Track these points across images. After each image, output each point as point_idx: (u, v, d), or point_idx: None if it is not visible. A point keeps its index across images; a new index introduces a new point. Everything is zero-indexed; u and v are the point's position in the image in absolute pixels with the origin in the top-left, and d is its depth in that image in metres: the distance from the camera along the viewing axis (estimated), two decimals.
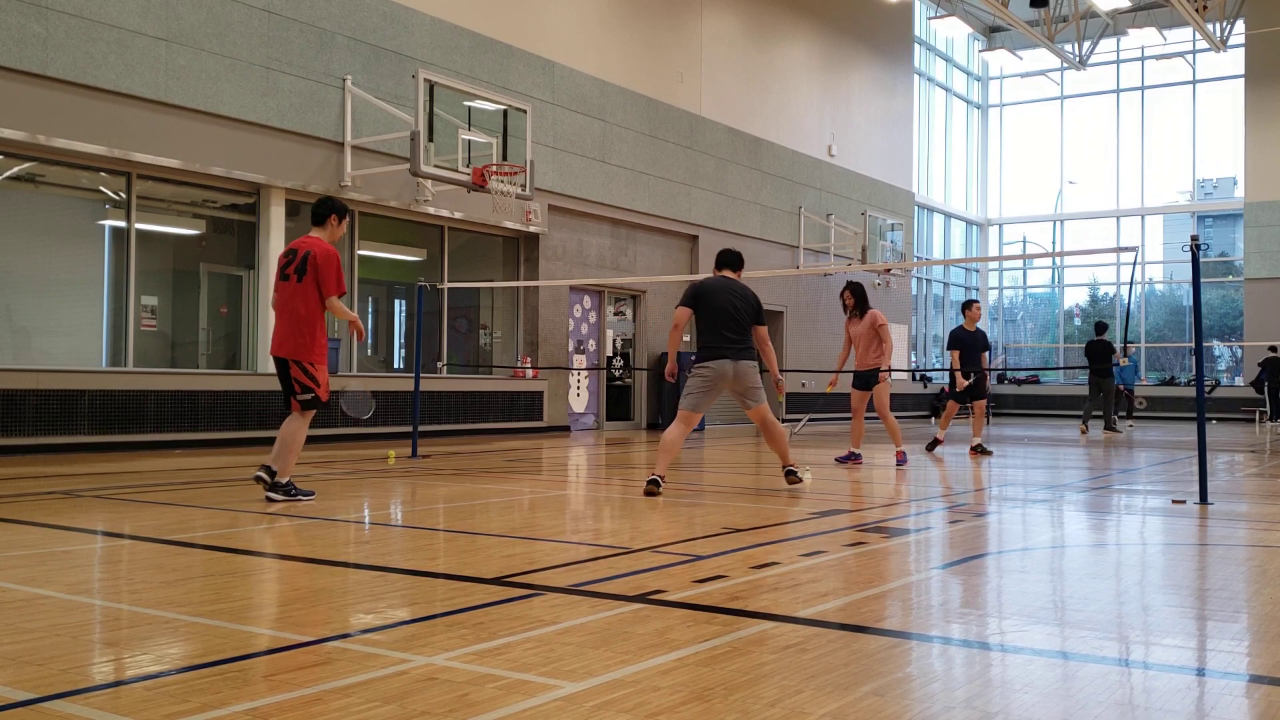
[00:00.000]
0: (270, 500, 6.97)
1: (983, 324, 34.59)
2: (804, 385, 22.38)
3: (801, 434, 16.36)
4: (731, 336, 7.92)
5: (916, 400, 28.27)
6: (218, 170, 12.62)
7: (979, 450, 12.78)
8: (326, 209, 7.43)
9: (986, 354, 13.08)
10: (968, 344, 12.76)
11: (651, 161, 19.08)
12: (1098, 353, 19.44)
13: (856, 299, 11.09)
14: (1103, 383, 19.18)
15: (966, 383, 12.73)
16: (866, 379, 11.05)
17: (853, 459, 11.01)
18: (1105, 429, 19.26)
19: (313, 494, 7.21)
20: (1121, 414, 22.82)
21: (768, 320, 8.70)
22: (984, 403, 13.18)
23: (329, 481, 8.60)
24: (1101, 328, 19.68)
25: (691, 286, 8.21)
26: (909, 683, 3.12)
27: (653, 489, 7.65)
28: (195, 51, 12.32)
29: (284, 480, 7.06)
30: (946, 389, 13.54)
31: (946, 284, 33.02)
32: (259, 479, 7.06)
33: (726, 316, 7.94)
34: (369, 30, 14.28)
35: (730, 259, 8.45)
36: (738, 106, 21.48)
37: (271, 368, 13.25)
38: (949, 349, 12.97)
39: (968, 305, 13.00)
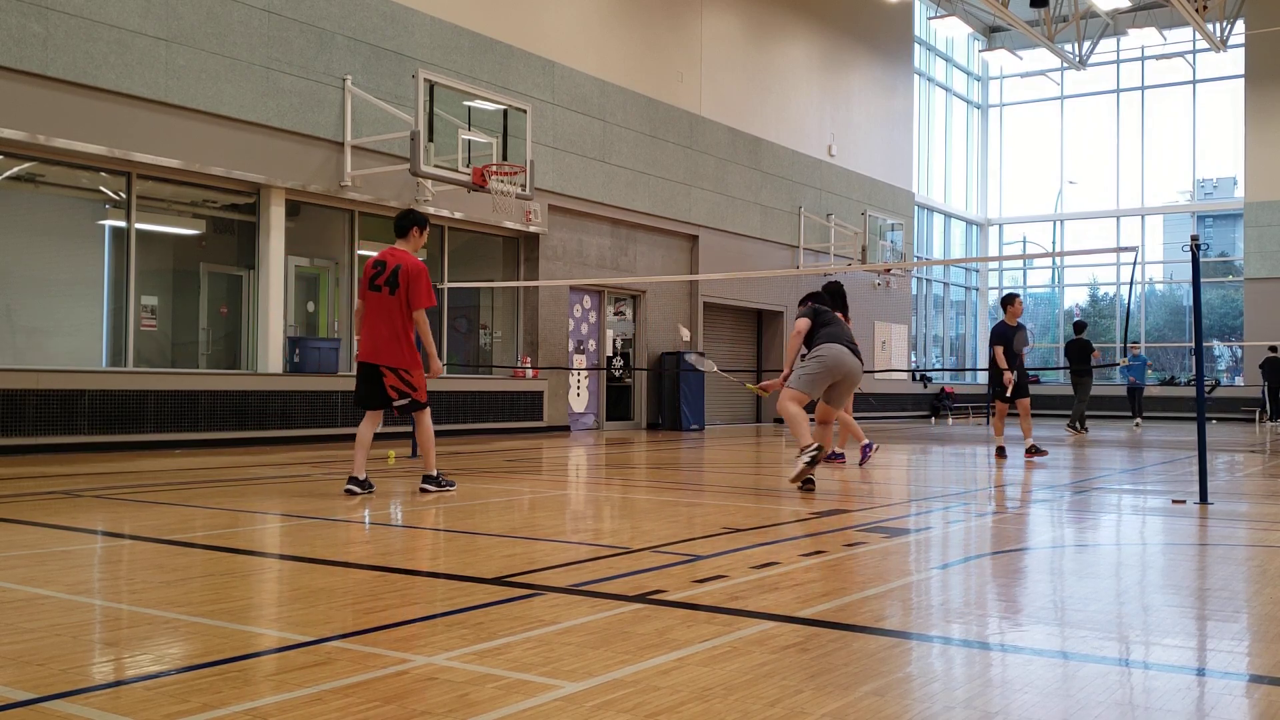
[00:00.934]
0: (424, 491, 7.71)
1: (981, 324, 34.81)
2: None
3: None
4: (851, 348, 8.36)
5: (916, 400, 28.28)
6: (218, 170, 12.62)
7: (1033, 451, 12.09)
8: (409, 222, 7.80)
9: (1024, 351, 12.39)
10: (1012, 340, 12.06)
11: (651, 161, 19.08)
12: (1076, 352, 19.39)
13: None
14: (1080, 381, 19.13)
15: (1013, 380, 12.03)
16: None
17: (835, 458, 11.23)
18: (1068, 425, 18.98)
19: (453, 484, 7.95)
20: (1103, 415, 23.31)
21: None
22: (1028, 400, 12.40)
23: (329, 481, 8.60)
24: (1080, 327, 19.61)
25: (811, 307, 8.64)
26: (909, 683, 3.12)
27: (817, 455, 7.77)
28: (195, 51, 12.32)
29: (434, 473, 7.78)
30: (991, 388, 12.81)
31: (946, 284, 33.03)
32: (349, 491, 7.55)
33: (848, 341, 8.42)
34: (369, 30, 14.28)
35: (836, 294, 9.01)
36: (738, 106, 21.48)
37: (272, 368, 13.38)
38: (992, 345, 12.27)
39: (1009, 300, 12.34)
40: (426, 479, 7.80)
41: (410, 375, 7.60)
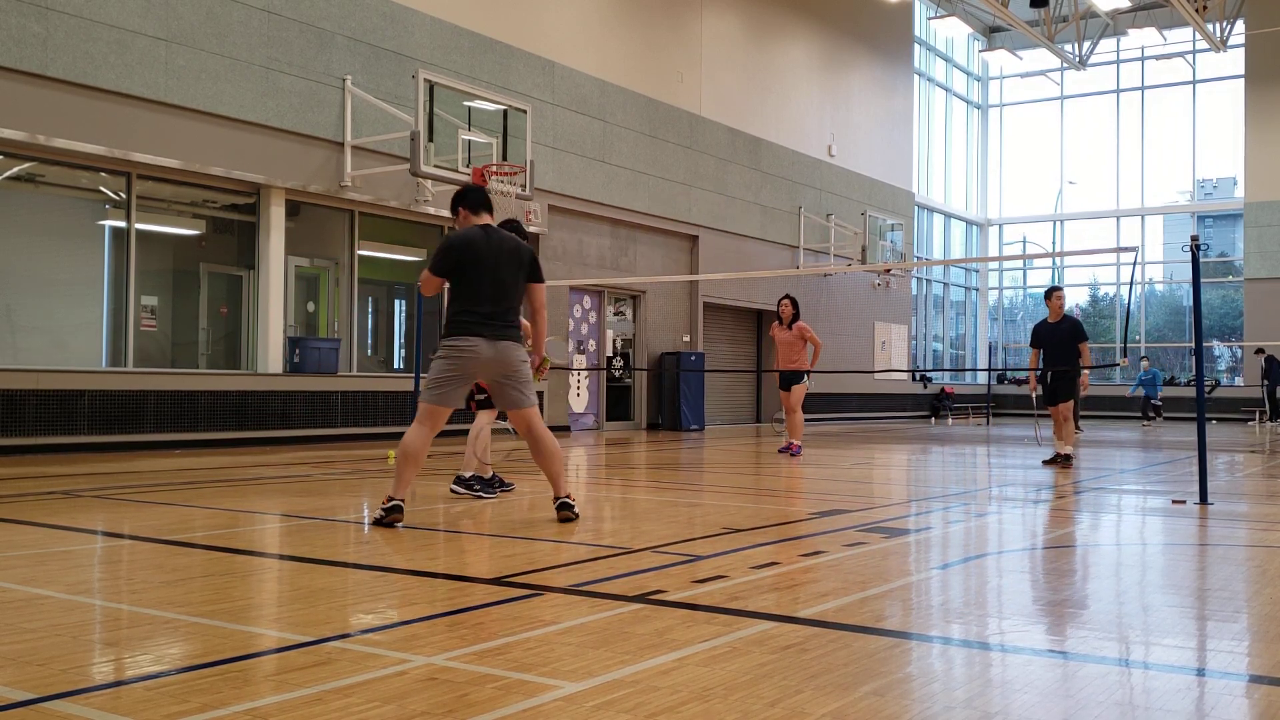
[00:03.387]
0: (454, 493, 7.49)
1: (981, 324, 34.81)
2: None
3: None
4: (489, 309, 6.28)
5: (916, 400, 28.27)
6: (218, 170, 12.62)
7: (1057, 461, 11.09)
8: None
9: (1086, 345, 10.89)
10: (1045, 339, 10.98)
11: (651, 161, 19.07)
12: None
13: (797, 309, 12.36)
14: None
15: (1035, 389, 11.32)
16: (790, 379, 12.32)
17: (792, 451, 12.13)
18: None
19: (495, 492, 7.52)
20: (1151, 415, 23.73)
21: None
22: (1068, 406, 11.09)
23: (329, 481, 8.60)
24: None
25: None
26: (909, 683, 3.12)
27: (395, 516, 5.88)
28: (195, 51, 12.32)
29: (467, 474, 7.52)
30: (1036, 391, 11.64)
31: (946, 284, 33.02)
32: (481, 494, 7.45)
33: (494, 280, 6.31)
34: (369, 30, 14.27)
35: (483, 199, 6.42)
36: (738, 106, 21.48)
37: (272, 368, 13.38)
38: (1030, 346, 11.27)
39: (1049, 294, 11.19)
40: (460, 479, 7.53)
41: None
